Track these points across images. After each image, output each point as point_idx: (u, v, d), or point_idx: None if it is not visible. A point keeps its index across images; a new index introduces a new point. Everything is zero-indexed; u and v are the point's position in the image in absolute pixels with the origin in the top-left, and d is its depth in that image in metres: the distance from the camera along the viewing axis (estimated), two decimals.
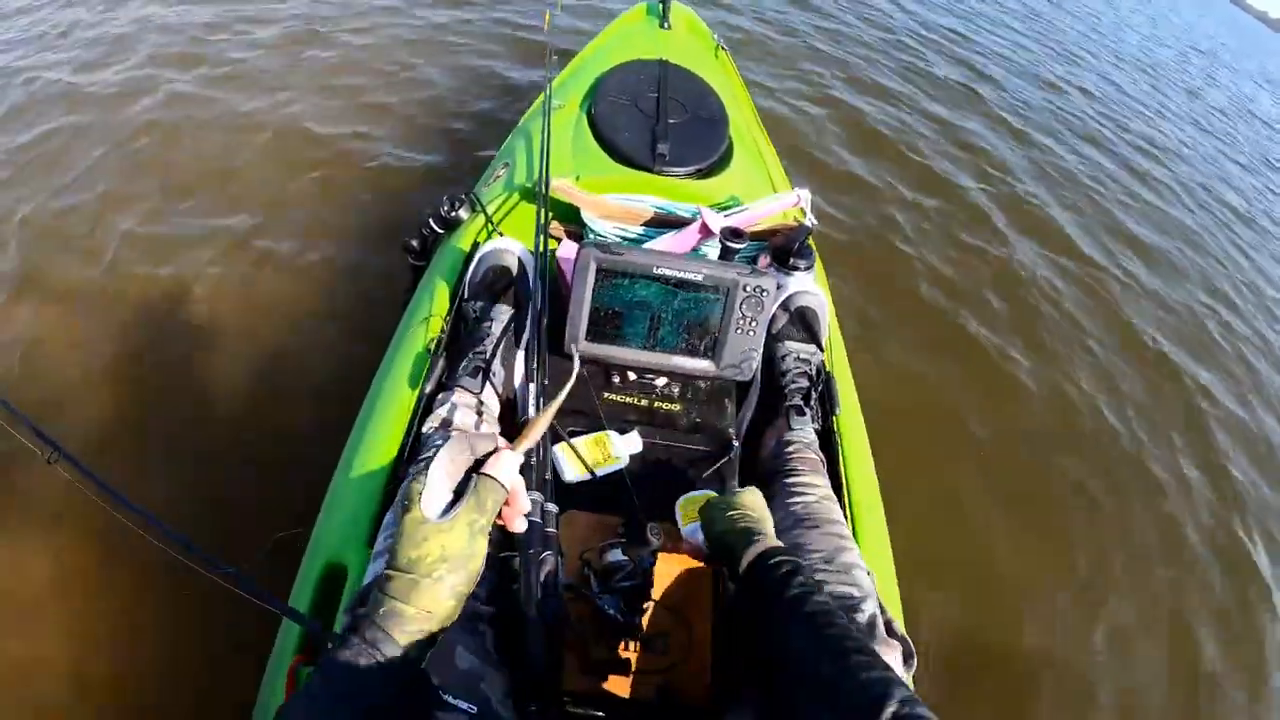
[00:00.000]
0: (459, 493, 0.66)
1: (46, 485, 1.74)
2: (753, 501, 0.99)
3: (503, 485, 0.67)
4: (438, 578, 0.61)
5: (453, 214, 1.73)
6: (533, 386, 1.20)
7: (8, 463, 1.81)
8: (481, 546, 0.65)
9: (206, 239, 2.59)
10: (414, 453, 1.25)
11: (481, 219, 1.70)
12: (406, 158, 3.18)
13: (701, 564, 1.10)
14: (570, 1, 4.43)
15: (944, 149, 4.55)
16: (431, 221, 1.76)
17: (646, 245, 1.57)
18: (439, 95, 3.69)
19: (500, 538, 1.08)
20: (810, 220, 1.80)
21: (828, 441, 1.42)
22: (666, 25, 2.62)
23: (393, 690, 0.60)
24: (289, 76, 3.59)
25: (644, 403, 1.39)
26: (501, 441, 0.70)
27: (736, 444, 1.36)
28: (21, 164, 2.82)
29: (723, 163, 1.97)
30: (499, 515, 0.69)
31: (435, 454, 0.67)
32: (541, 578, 0.89)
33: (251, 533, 1.66)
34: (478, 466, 0.68)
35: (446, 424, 1.26)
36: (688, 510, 1.19)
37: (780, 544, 0.89)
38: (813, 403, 1.42)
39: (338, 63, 3.78)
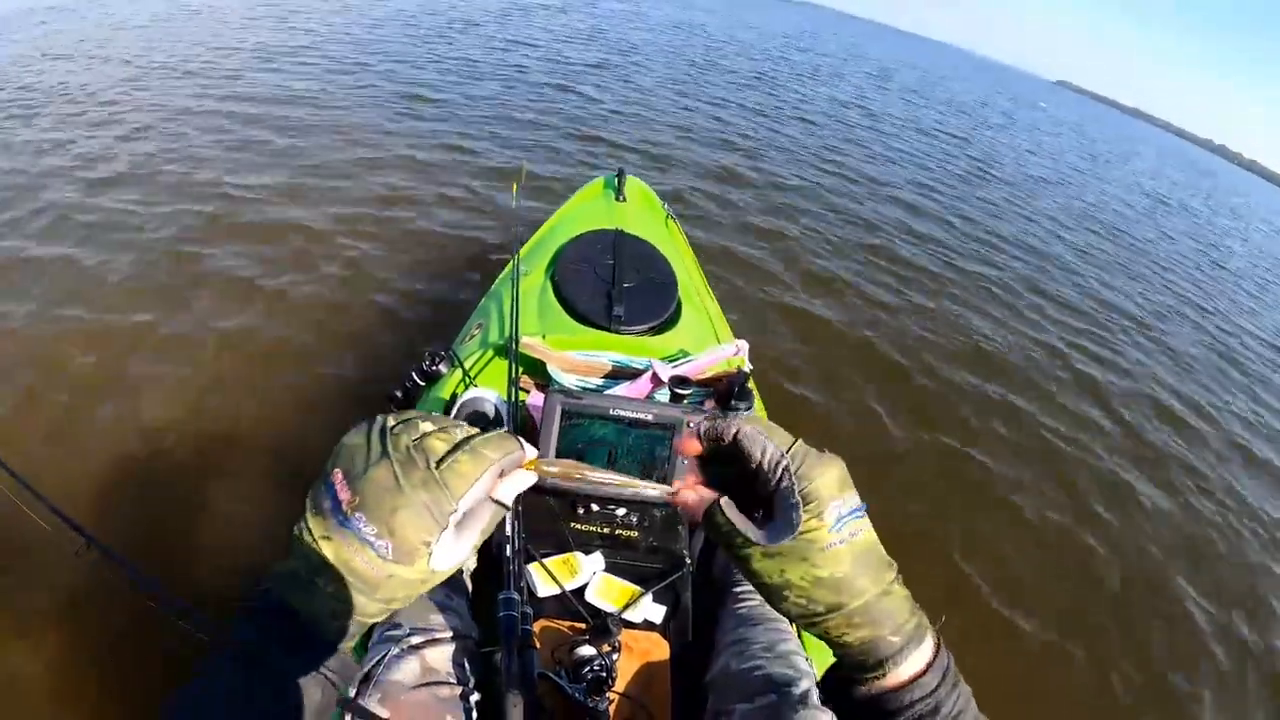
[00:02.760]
0: None
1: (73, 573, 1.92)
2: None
3: (505, 508, 0.61)
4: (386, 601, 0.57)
5: (433, 368, 1.91)
6: (508, 515, 1.34)
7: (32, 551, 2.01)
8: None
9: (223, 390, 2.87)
10: None
11: (459, 372, 1.90)
12: (389, 316, 3.48)
13: (662, 657, 1.27)
14: (534, 169, 4.92)
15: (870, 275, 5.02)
16: (414, 374, 1.93)
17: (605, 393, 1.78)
18: (417, 260, 4.05)
19: (482, 636, 1.26)
20: (748, 366, 2.02)
21: None
22: (621, 198, 2.94)
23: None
24: (283, 242, 3.94)
25: (606, 530, 1.53)
26: (529, 449, 0.62)
27: (689, 563, 1.49)
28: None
29: (672, 320, 2.20)
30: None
31: (476, 445, 0.57)
32: (519, 669, 0.99)
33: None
34: None
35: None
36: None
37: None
38: None
39: (327, 226, 4.16)
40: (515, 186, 2.93)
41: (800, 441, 0.61)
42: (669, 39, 16.02)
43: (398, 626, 1.19)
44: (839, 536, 0.56)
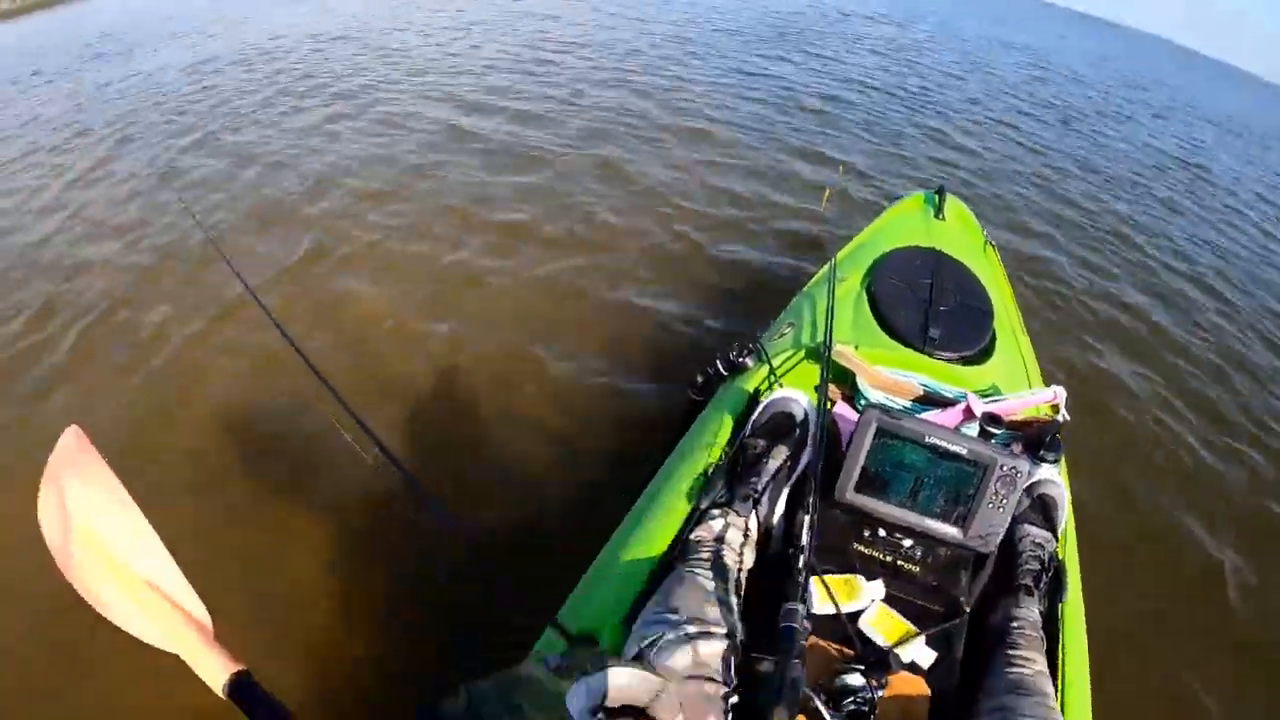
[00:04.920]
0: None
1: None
2: None
3: None
4: None
5: (740, 360, 1.98)
6: (805, 520, 1.34)
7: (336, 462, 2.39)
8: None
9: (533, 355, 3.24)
10: (681, 554, 1.43)
11: (765, 369, 1.94)
12: (695, 308, 3.65)
13: (922, 705, 1.23)
14: (851, 178, 4.87)
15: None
16: (719, 363, 2.02)
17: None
18: (728, 258, 4.15)
19: (748, 638, 1.25)
20: (1063, 416, 1.88)
21: (1050, 623, 1.48)
22: (941, 216, 2.84)
23: None
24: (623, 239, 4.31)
25: (889, 559, 1.50)
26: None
27: (967, 611, 1.44)
28: None
29: (986, 352, 2.10)
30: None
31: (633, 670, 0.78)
32: (790, 683, 0.98)
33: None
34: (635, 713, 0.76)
35: (719, 538, 1.44)
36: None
37: None
38: (1042, 585, 1.49)
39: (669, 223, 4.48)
40: (827, 193, 2.93)
41: None
42: (997, 59, 14.84)
43: (675, 611, 1.22)
44: None
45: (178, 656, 0.89)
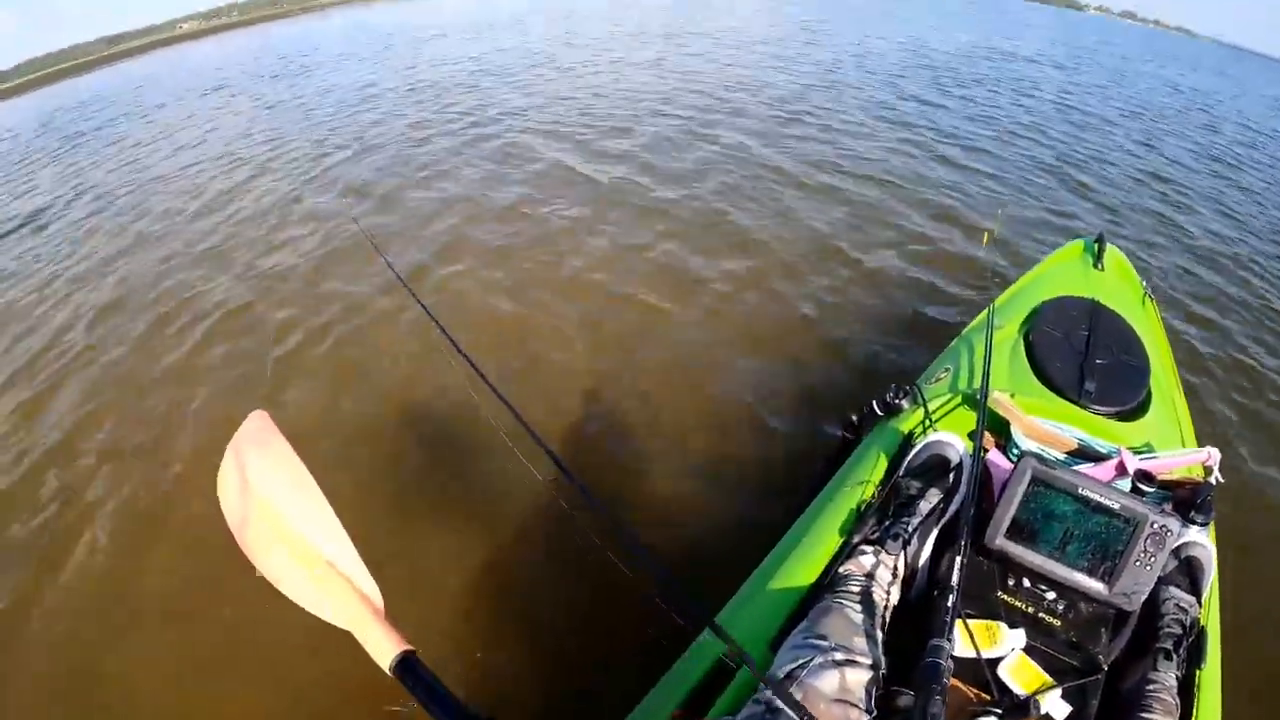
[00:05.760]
0: None
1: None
2: None
3: None
4: None
5: (896, 401, 2.07)
6: (956, 561, 1.36)
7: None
8: None
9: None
10: (831, 585, 1.48)
11: (920, 412, 2.04)
12: (855, 347, 3.78)
13: None
14: (1003, 232, 4.83)
15: None
16: (875, 404, 2.11)
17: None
18: (884, 301, 4.23)
19: (889, 671, 1.29)
20: (1216, 478, 1.86)
21: (1186, 691, 1.45)
22: (1100, 266, 2.84)
23: None
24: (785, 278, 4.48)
25: (1030, 609, 1.53)
26: None
27: (1104, 669, 1.46)
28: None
29: (1141, 409, 2.12)
30: None
31: None
32: (929, 716, 1.02)
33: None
34: None
35: (869, 574, 1.50)
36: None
37: None
38: (1181, 650, 1.45)
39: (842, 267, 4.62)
40: (987, 236, 2.98)
41: None
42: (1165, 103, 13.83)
43: (823, 638, 1.26)
44: None
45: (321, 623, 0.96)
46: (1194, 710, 1.44)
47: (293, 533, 0.99)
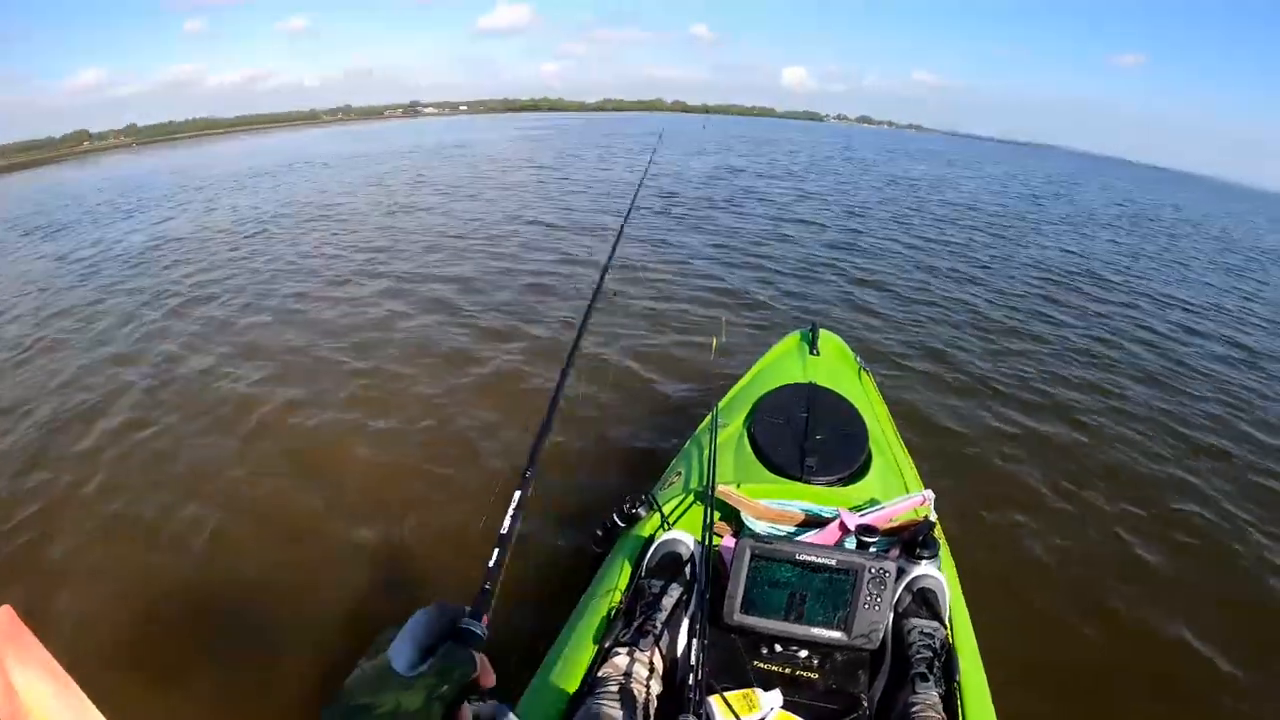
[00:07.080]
0: (429, 654, 0.67)
1: None
2: None
3: (473, 656, 0.68)
4: None
5: (633, 511, 2.11)
6: (695, 644, 1.43)
7: None
8: (436, 714, 0.64)
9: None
10: (590, 690, 1.50)
11: (658, 516, 2.07)
12: (595, 463, 3.80)
13: None
14: (730, 336, 5.21)
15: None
16: (615, 516, 2.14)
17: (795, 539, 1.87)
18: (627, 409, 4.33)
19: None
20: (932, 516, 2.03)
21: (950, 704, 1.55)
22: (815, 351, 3.09)
23: None
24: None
25: (786, 670, 1.59)
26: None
27: (865, 706, 1.53)
28: None
29: (863, 470, 2.27)
30: (477, 678, 0.69)
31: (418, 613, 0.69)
32: None
33: None
34: (455, 636, 0.70)
35: (625, 674, 1.52)
36: None
37: None
38: (936, 670, 1.58)
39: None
40: (715, 343, 3.18)
41: None
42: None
43: None
44: None
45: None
46: (959, 716, 1.55)
47: None
